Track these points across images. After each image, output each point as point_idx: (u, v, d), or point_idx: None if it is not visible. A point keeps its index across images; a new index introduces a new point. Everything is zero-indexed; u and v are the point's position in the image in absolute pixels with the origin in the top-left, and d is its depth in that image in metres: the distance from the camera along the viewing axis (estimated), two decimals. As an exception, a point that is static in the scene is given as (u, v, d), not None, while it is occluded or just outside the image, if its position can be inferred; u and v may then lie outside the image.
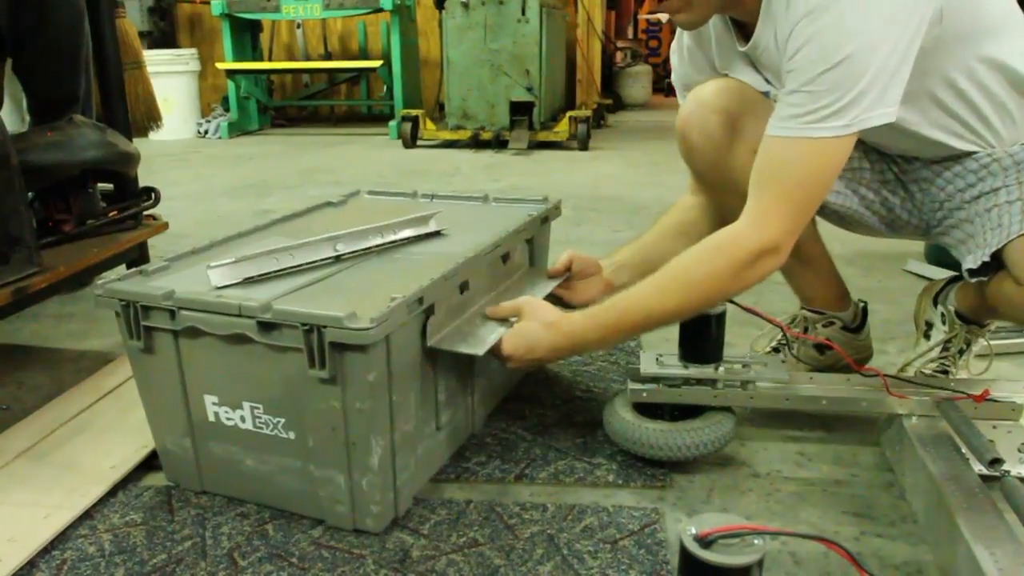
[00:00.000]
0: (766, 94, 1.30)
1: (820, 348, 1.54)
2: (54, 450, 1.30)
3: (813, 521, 1.12)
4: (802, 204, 1.10)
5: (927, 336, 1.51)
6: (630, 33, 9.12)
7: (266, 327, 0.99)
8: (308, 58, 6.38)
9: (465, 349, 1.13)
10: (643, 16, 9.26)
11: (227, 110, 5.85)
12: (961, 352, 1.45)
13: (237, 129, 5.68)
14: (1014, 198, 1.15)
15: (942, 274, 2.17)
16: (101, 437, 1.33)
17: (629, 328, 1.16)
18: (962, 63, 1.13)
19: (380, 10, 5.37)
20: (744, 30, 1.24)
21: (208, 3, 6.11)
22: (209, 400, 1.10)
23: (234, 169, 4.35)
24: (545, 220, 1.54)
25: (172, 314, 1.05)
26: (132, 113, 1.78)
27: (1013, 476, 1.00)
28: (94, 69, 1.71)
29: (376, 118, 6.36)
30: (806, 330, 1.56)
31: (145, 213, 1.78)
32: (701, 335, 1.20)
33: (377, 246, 1.30)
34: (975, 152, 1.23)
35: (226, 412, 1.09)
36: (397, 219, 1.35)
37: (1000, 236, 1.13)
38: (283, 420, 1.06)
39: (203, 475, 1.16)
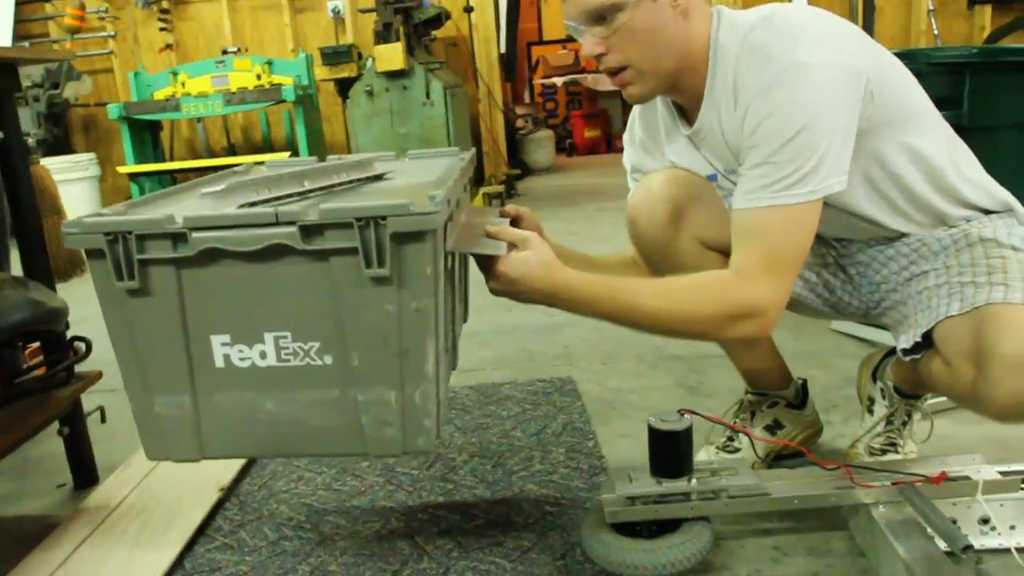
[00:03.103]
0: (712, 177, 1.37)
1: (771, 429, 1.59)
2: (7, 649, 1.21)
3: (801, 623, 1.14)
4: (784, 269, 1.16)
5: (871, 411, 1.58)
6: (526, 98, 9.35)
7: (310, 232, 0.92)
8: (211, 152, 6.29)
9: (485, 250, 1.10)
10: (538, 80, 9.52)
11: (131, 212, 5.69)
12: (904, 424, 1.52)
13: (143, 232, 5.51)
14: (942, 281, 1.24)
15: (865, 332, 2.28)
16: (58, 626, 1.24)
17: (610, 309, 1.16)
18: (891, 146, 1.22)
19: (283, 100, 5.36)
20: (686, 115, 1.33)
21: (103, 105, 5.99)
22: (218, 341, 0.98)
23: (147, 278, 4.20)
24: (463, 160, 1.49)
25: (177, 240, 0.94)
26: (54, 261, 1.72)
27: (982, 552, 1.04)
28: (13, 220, 1.64)
29: (286, 206, 6.29)
30: (753, 414, 1.61)
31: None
32: (671, 450, 1.22)
33: (340, 184, 1.22)
34: (906, 235, 1.31)
35: (240, 352, 0.98)
36: (342, 162, 1.28)
37: (929, 317, 1.21)
38: (317, 344, 0.97)
39: (204, 438, 1.03)
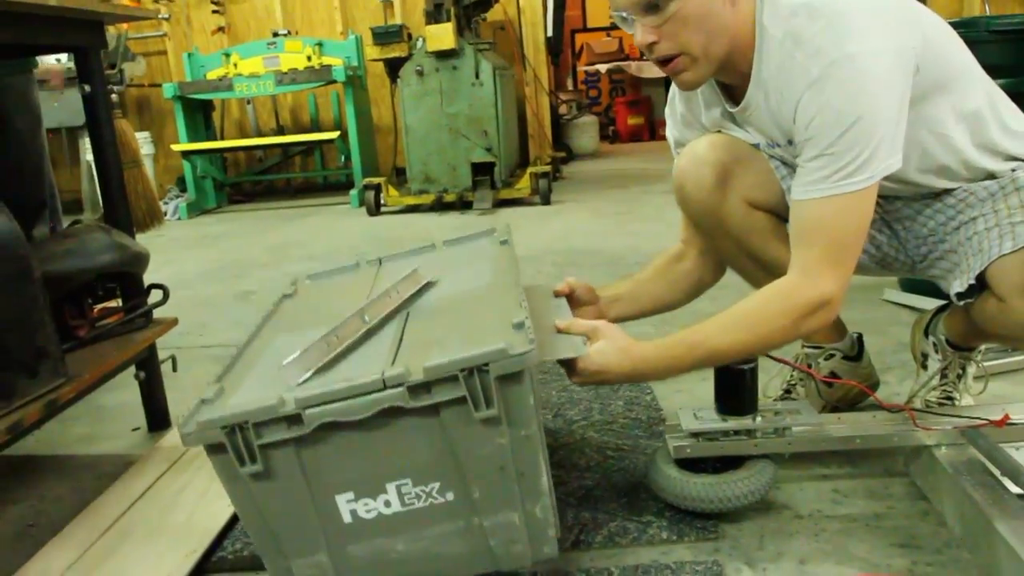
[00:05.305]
0: (755, 146, 1.40)
1: (828, 382, 1.61)
2: (99, 565, 1.27)
3: (864, 557, 1.17)
4: (846, 256, 1.19)
5: (925, 367, 1.59)
6: (569, 85, 9.35)
7: (418, 389, 0.96)
8: (260, 133, 6.41)
9: (566, 354, 1.14)
10: (581, 68, 9.52)
11: (183, 191, 5.84)
12: (959, 377, 1.53)
13: (196, 209, 5.65)
14: (992, 224, 1.26)
15: (918, 301, 2.28)
16: (145, 547, 1.31)
17: (693, 362, 1.21)
18: (936, 109, 1.24)
19: (332, 82, 5.44)
20: (730, 92, 1.35)
21: (157, 86, 6.14)
22: (343, 500, 1.03)
23: (203, 250, 4.32)
24: (505, 242, 1.53)
25: (292, 422, 0.98)
26: (133, 212, 1.79)
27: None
28: (96, 169, 1.72)
29: (333, 187, 6.40)
30: (810, 367, 1.63)
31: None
32: (737, 388, 1.25)
33: (395, 309, 1.26)
34: (952, 189, 1.33)
35: (365, 505, 1.02)
36: (391, 284, 1.31)
37: (982, 259, 1.23)
38: (437, 484, 1.01)
39: None
